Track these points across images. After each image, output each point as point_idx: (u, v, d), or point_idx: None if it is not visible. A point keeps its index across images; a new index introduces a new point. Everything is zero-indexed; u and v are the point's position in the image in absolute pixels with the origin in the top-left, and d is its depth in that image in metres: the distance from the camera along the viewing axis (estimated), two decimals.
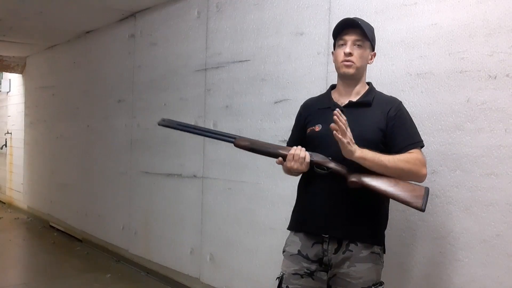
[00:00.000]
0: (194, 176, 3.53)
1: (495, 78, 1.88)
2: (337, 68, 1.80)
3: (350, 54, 1.73)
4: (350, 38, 1.74)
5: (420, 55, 2.12)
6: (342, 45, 1.76)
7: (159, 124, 1.88)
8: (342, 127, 1.59)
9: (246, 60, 3.08)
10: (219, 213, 3.28)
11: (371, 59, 1.83)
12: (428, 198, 2.05)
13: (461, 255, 1.96)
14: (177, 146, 3.70)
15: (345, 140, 1.59)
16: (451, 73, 2.01)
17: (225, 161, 3.23)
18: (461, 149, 1.97)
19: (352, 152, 1.61)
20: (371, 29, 1.81)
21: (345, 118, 1.60)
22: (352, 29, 1.75)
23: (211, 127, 3.33)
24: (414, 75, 2.14)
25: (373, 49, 1.82)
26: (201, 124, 3.43)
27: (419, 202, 1.62)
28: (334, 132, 1.59)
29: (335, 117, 1.58)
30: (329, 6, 2.54)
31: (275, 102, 2.85)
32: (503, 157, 1.85)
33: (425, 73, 2.10)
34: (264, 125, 2.92)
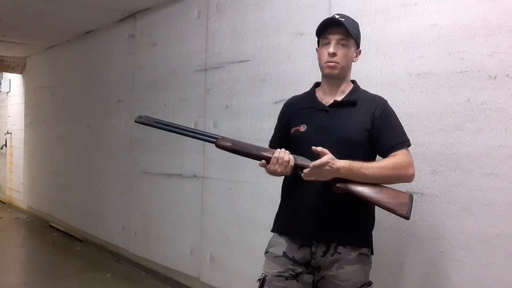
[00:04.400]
0: (194, 176, 3.53)
1: (495, 78, 1.88)
2: (321, 68, 1.75)
3: (334, 55, 1.69)
4: (334, 38, 1.69)
5: (420, 55, 2.12)
6: (326, 44, 1.72)
7: (135, 122, 1.81)
8: (313, 173, 1.57)
9: (246, 60, 3.08)
10: (219, 213, 3.28)
11: (356, 56, 1.78)
12: (428, 198, 2.06)
13: (461, 255, 1.96)
14: (177, 146, 3.70)
15: (326, 176, 1.58)
16: (451, 73, 2.01)
17: (225, 161, 3.23)
18: (461, 149, 1.97)
19: (336, 171, 1.57)
20: (356, 26, 1.76)
21: (310, 169, 1.57)
22: (336, 27, 1.70)
23: (211, 127, 3.33)
24: (414, 75, 2.14)
25: (358, 46, 1.78)
26: (201, 124, 3.43)
27: (404, 210, 1.60)
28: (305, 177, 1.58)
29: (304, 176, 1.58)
30: (329, 6, 2.54)
31: (275, 102, 2.85)
32: (503, 157, 1.85)
33: (425, 73, 2.10)
34: (264, 125, 2.92)
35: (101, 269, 4.24)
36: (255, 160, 1.71)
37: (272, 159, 1.64)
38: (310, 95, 1.83)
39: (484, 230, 1.90)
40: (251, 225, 3.02)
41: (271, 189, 2.87)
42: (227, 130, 3.17)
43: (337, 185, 1.63)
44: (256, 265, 2.97)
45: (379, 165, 1.63)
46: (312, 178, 1.58)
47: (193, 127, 2.13)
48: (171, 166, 3.78)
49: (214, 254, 3.33)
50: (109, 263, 4.44)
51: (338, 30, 1.70)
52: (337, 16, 1.72)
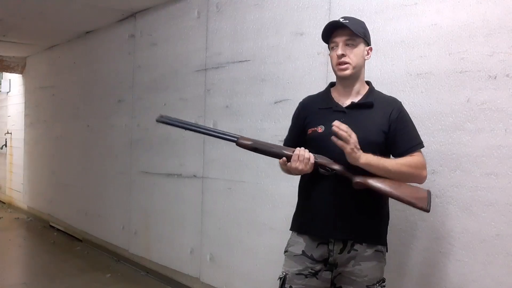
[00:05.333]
0: (194, 176, 3.53)
1: (495, 78, 1.88)
2: (334, 71, 1.79)
3: (342, 56, 1.72)
4: (340, 40, 1.73)
5: (420, 55, 2.12)
6: (334, 47, 1.76)
7: (157, 121, 1.84)
8: (344, 135, 1.59)
9: (246, 60, 3.08)
10: (219, 213, 3.28)
11: (368, 54, 1.80)
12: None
13: (461, 255, 1.97)
14: (177, 146, 3.71)
15: (348, 147, 1.60)
16: (451, 73, 2.01)
17: (225, 161, 3.23)
18: (461, 149, 1.97)
19: (356, 159, 1.62)
20: (362, 25, 1.78)
21: (345, 126, 1.60)
22: (341, 29, 1.73)
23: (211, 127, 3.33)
24: (414, 75, 2.14)
25: (368, 43, 1.79)
26: (200, 124, 3.43)
27: (424, 203, 1.66)
28: (335, 139, 1.60)
29: (335, 128, 1.60)
30: (329, 6, 2.54)
31: (275, 102, 2.85)
32: (503, 157, 1.85)
33: (425, 73, 2.10)
34: (264, 125, 2.92)
35: (101, 269, 4.24)
36: (255, 160, 1.72)
37: (293, 156, 1.70)
38: (325, 96, 1.86)
39: (484, 230, 1.90)
40: (251, 225, 3.02)
41: (271, 189, 2.87)
42: (227, 130, 3.16)
43: (357, 180, 1.66)
44: (256, 265, 2.98)
45: (398, 161, 1.70)
46: (343, 134, 1.59)
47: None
48: (171, 166, 3.78)
49: (214, 254, 3.33)
50: (109, 263, 4.44)
51: (343, 32, 1.73)
52: (341, 19, 1.74)
